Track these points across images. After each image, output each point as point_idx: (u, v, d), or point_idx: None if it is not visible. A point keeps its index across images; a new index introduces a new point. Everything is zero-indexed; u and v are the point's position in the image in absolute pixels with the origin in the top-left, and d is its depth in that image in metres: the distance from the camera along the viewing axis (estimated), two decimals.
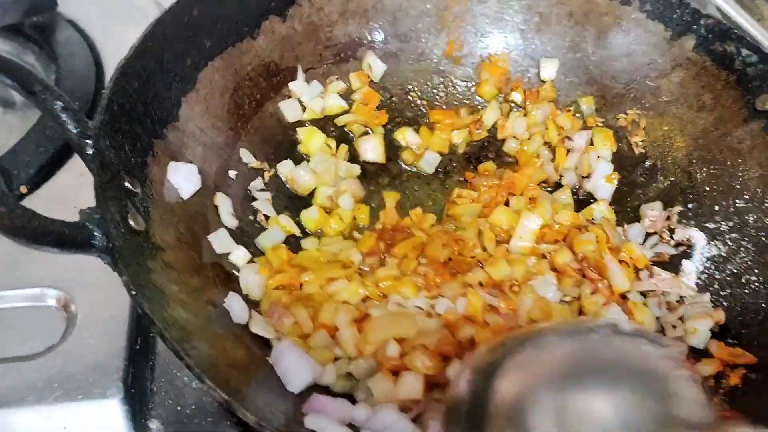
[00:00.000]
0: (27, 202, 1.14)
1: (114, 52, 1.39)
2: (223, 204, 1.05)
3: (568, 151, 1.24)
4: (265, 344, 0.93)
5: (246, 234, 1.06)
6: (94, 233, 0.74)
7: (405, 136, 1.25)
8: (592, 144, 1.25)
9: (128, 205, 0.83)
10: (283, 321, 0.93)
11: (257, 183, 1.13)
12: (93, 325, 0.99)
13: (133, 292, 0.71)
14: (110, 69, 1.31)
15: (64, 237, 0.72)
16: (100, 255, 0.75)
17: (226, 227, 1.03)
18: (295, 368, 0.86)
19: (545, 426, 0.65)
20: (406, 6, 1.26)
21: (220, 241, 1.00)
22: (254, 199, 1.11)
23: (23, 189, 1.14)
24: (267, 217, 1.11)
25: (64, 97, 0.81)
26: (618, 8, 1.20)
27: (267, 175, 1.15)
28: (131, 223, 0.82)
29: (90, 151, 0.81)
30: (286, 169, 1.16)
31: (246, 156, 1.12)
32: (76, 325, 0.99)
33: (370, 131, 1.26)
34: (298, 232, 1.10)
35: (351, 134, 1.25)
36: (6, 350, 0.95)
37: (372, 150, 1.23)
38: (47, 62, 1.39)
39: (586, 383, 0.68)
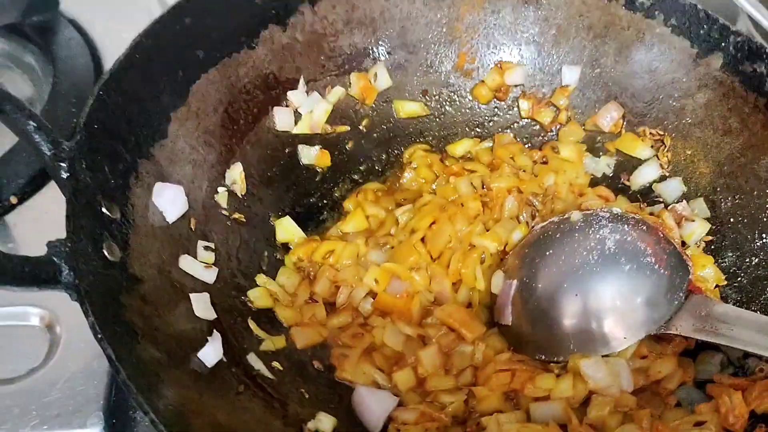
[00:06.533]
0: (17, 213, 1.12)
1: (116, 54, 1.32)
2: None
3: None
4: (246, 378, 0.88)
5: None
6: (61, 268, 0.70)
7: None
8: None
9: (104, 233, 0.78)
10: None
11: None
12: (76, 347, 0.95)
13: (99, 336, 0.66)
14: None
15: (25, 274, 0.67)
16: (67, 291, 0.70)
17: None
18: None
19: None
20: (416, 15, 1.19)
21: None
22: None
23: (13, 200, 1.12)
24: None
25: (36, 116, 0.77)
26: (641, 22, 1.12)
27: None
28: (105, 253, 0.77)
29: (64, 175, 0.76)
30: None
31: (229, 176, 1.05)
32: (60, 346, 0.96)
33: None
34: None
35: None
36: None
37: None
38: (46, 64, 1.34)
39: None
